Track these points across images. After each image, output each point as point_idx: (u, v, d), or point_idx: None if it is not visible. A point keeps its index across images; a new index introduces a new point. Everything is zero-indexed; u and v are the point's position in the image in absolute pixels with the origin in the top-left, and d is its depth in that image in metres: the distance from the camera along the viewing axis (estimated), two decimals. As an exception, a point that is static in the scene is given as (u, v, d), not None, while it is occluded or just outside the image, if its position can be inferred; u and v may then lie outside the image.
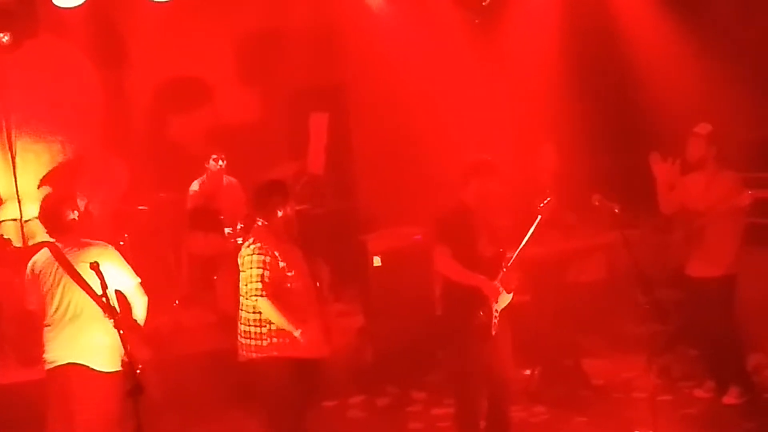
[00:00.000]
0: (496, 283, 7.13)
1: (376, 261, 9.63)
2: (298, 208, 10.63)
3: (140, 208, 10.95)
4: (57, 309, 6.57)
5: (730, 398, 8.25)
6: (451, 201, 7.35)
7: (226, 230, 10.48)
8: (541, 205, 7.27)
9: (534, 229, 7.21)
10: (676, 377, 8.86)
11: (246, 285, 6.84)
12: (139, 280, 6.71)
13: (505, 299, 7.21)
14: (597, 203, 7.31)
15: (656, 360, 8.04)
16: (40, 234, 11.14)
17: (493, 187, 7.20)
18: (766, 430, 7.79)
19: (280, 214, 6.98)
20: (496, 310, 7.14)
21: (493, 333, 7.13)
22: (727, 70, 10.33)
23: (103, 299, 6.08)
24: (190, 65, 11.77)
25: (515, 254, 7.20)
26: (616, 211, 7.17)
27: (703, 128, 8.23)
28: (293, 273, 6.88)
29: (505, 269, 7.15)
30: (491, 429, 7.45)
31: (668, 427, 7.20)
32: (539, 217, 7.22)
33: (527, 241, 7.22)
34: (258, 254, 6.80)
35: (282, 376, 6.82)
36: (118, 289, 6.52)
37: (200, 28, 11.50)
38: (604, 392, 8.79)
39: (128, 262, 6.66)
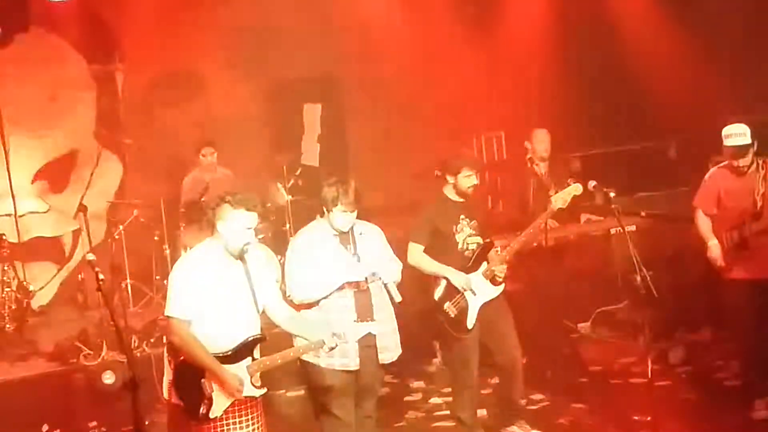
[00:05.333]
0: (480, 274, 7.17)
1: (372, 251, 9.56)
2: (293, 199, 10.70)
3: (134, 201, 10.91)
4: None
5: (761, 412, 7.49)
6: (433, 195, 7.40)
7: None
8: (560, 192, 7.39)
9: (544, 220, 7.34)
10: (673, 362, 8.85)
11: None
12: None
13: (491, 291, 7.22)
14: (592, 188, 7.29)
15: (654, 346, 8.03)
16: (35, 229, 11.19)
17: (473, 180, 7.21)
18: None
19: None
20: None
21: (470, 325, 7.16)
22: (717, 59, 10.34)
23: None
24: (182, 58, 11.71)
25: (509, 246, 7.26)
26: (612, 195, 7.12)
27: (739, 128, 7.33)
28: None
29: (489, 262, 7.19)
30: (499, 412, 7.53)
31: (666, 413, 7.18)
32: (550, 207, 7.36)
33: (530, 232, 7.31)
34: None
35: None
36: None
37: (192, 20, 11.44)
38: (602, 378, 8.78)
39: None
